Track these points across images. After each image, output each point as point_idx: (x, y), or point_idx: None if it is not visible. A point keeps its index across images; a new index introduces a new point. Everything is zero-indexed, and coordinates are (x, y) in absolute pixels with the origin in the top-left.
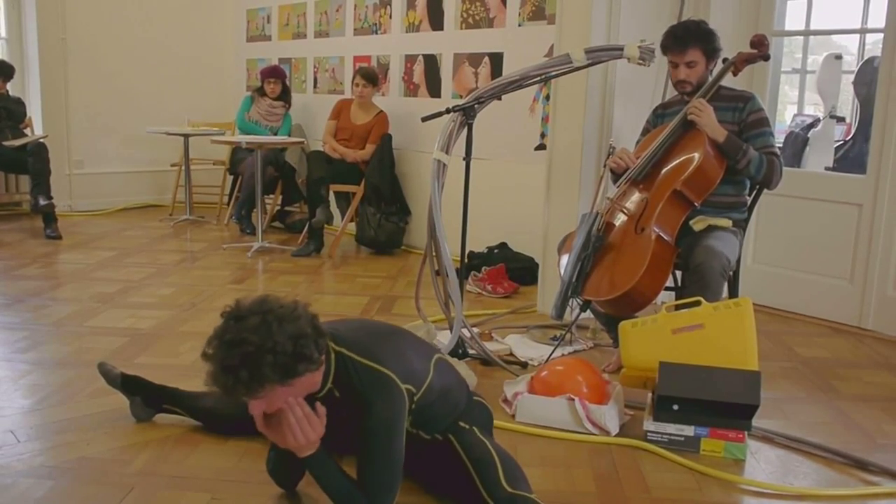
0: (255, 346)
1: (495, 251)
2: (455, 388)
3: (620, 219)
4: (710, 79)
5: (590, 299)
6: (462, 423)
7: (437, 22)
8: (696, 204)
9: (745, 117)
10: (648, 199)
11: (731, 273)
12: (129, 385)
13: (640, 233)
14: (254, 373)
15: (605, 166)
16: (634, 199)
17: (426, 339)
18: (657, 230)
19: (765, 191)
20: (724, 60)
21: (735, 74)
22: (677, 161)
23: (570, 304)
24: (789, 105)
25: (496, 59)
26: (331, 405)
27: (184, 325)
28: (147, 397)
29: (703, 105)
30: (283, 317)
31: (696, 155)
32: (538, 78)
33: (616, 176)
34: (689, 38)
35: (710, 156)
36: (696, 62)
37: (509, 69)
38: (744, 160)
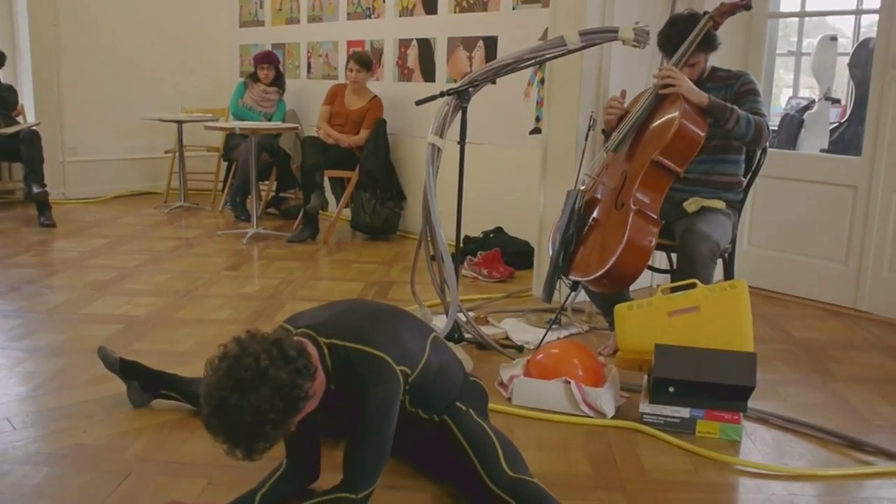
0: (251, 421)
1: (491, 236)
2: (453, 365)
3: (602, 195)
4: (690, 37)
5: (577, 280)
6: (459, 404)
7: (430, 6)
8: (679, 172)
9: (738, 89)
10: (627, 172)
11: (721, 256)
12: (127, 370)
13: (620, 209)
14: (267, 434)
15: (586, 140)
16: (614, 173)
17: None
18: (636, 205)
19: (760, 172)
20: (705, 13)
21: (715, 28)
22: (653, 131)
23: (557, 285)
24: (784, 88)
25: (490, 43)
26: (325, 397)
27: (179, 312)
28: (144, 382)
29: (673, 72)
30: (254, 381)
31: (673, 123)
32: (532, 61)
33: (607, 136)
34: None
35: (688, 122)
36: (697, 62)
37: (504, 53)
38: (732, 119)
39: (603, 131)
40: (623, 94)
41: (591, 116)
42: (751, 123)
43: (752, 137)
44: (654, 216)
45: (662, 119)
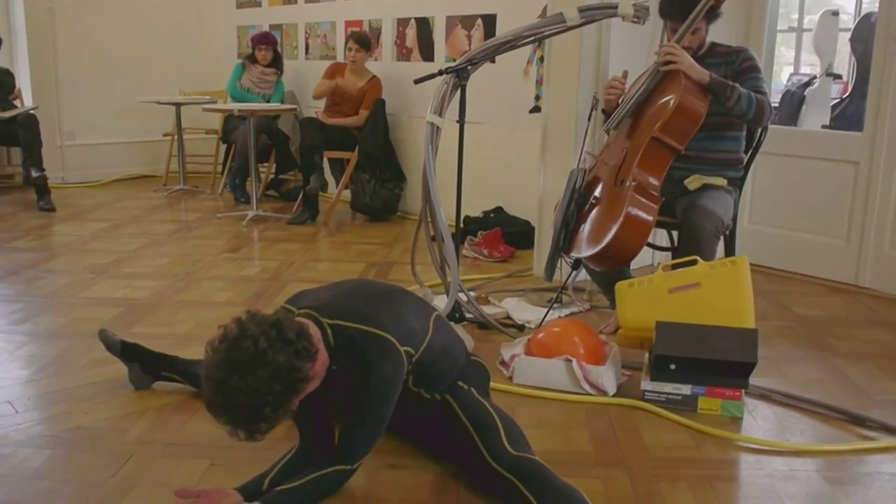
0: (250, 403)
1: (491, 215)
2: (455, 345)
3: (603, 173)
4: (692, 15)
5: (577, 257)
6: (460, 383)
7: None
8: (679, 149)
9: (738, 66)
10: (627, 149)
11: (724, 233)
12: (128, 352)
13: (620, 185)
14: (267, 416)
15: (589, 119)
16: (614, 151)
17: None
18: (636, 181)
19: (761, 149)
20: None
21: (717, 6)
22: (654, 108)
23: (559, 263)
24: (786, 66)
25: (489, 21)
26: (327, 378)
27: (179, 295)
28: (145, 365)
29: (674, 48)
30: (252, 363)
31: (672, 99)
32: (531, 38)
33: (607, 116)
34: (690, 6)
35: (688, 98)
36: (699, 29)
37: (503, 31)
38: (733, 97)
39: (604, 111)
40: (625, 74)
41: (594, 97)
42: (752, 102)
43: (753, 116)
44: (654, 193)
45: (663, 96)
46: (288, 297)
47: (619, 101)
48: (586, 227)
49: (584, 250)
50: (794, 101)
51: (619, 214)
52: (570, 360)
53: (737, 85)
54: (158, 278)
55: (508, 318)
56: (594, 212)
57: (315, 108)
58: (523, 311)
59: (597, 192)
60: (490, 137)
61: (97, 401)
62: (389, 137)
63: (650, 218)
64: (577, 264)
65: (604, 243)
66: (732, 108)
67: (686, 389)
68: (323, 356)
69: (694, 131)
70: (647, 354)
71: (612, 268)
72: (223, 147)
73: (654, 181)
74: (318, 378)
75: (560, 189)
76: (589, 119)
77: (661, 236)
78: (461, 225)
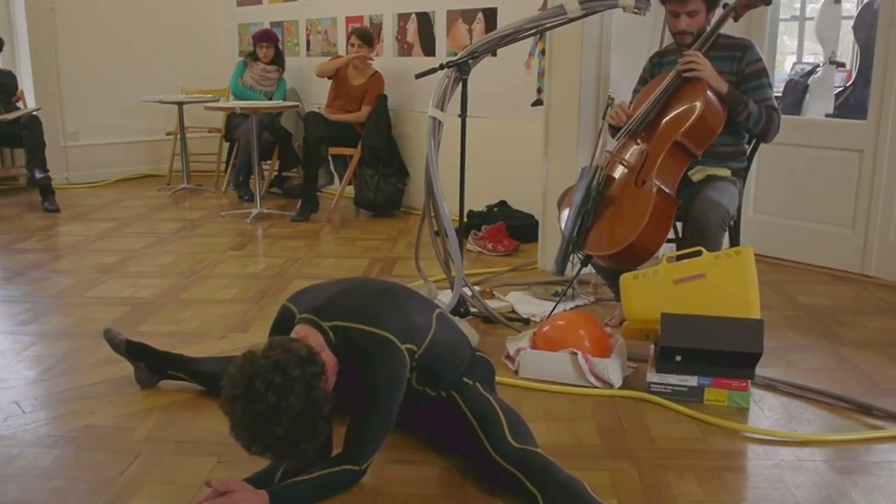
0: (283, 446)
1: (495, 209)
2: (459, 340)
3: (621, 172)
4: (709, 27)
5: (591, 254)
6: (465, 379)
7: None
8: (696, 155)
9: (744, 68)
10: (648, 151)
11: (730, 224)
12: (134, 351)
13: (641, 186)
14: (306, 450)
15: (604, 118)
16: (634, 151)
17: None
18: (658, 183)
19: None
20: (725, 6)
21: (736, 20)
22: (677, 112)
23: (571, 259)
24: (789, 55)
25: (490, 15)
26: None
27: (185, 293)
28: (151, 363)
29: (698, 57)
30: (272, 417)
31: (697, 105)
32: (533, 31)
33: (615, 130)
34: None
35: (711, 106)
36: (697, 11)
37: (504, 24)
38: (744, 112)
39: (610, 125)
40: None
41: (609, 97)
42: (760, 120)
43: (760, 131)
44: (673, 195)
45: (687, 101)
46: (291, 294)
47: (623, 123)
48: (605, 226)
49: (605, 249)
50: (798, 89)
51: (643, 215)
52: (576, 353)
53: (750, 100)
54: (164, 277)
55: (513, 311)
56: (612, 211)
57: (317, 105)
58: (528, 304)
59: (613, 191)
60: (492, 131)
61: (105, 400)
62: (392, 133)
63: (670, 219)
64: (587, 259)
65: (628, 241)
66: (740, 123)
67: (692, 381)
68: (330, 361)
69: (712, 139)
70: (652, 346)
71: (626, 267)
72: (226, 145)
73: (672, 183)
74: (332, 381)
75: (563, 182)
76: (603, 117)
77: None
78: (465, 219)
